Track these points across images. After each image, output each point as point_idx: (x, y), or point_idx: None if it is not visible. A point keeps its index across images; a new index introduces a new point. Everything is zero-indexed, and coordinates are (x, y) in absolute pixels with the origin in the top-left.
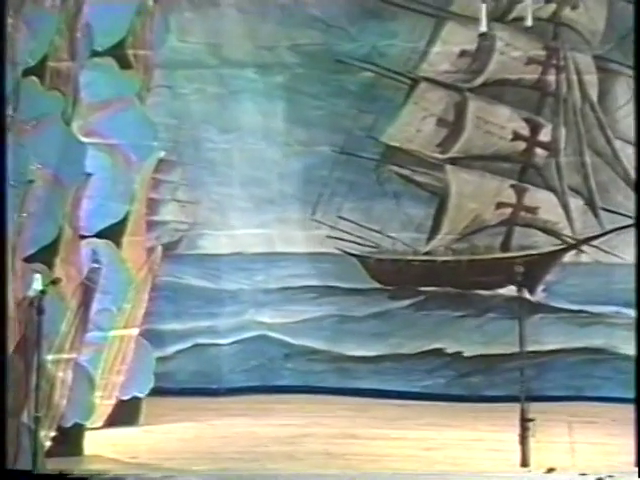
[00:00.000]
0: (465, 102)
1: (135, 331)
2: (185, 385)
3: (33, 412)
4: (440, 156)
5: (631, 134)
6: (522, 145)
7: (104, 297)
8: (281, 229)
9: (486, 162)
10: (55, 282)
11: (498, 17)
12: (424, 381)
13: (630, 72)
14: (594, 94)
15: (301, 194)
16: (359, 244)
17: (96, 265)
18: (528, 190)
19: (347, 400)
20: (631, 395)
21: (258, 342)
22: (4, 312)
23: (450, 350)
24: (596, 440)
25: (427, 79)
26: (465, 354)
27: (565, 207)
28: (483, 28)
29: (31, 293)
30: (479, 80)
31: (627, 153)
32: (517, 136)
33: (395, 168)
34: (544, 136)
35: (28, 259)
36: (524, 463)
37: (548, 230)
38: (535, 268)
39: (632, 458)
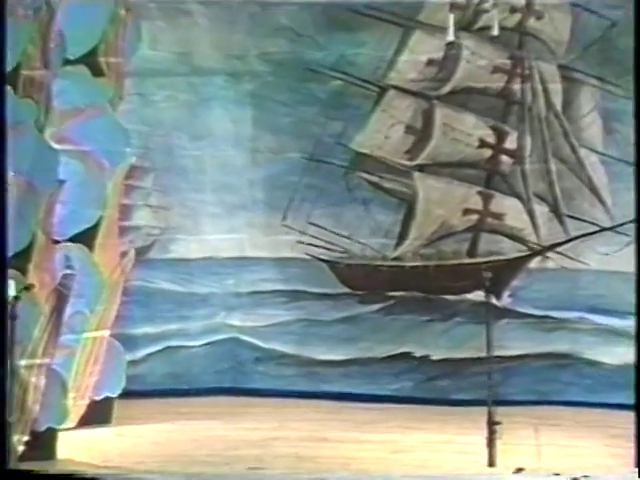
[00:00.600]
0: (432, 110)
1: (107, 332)
2: (157, 387)
3: (7, 416)
4: (408, 163)
5: (595, 142)
6: (488, 152)
7: (77, 300)
8: (251, 234)
9: (453, 169)
10: (28, 288)
11: (465, 26)
12: (392, 384)
13: (594, 81)
14: (558, 103)
15: (271, 200)
16: (329, 249)
17: (69, 271)
18: (494, 197)
19: (317, 403)
20: (595, 399)
21: (229, 345)
22: (4, 312)
23: (418, 354)
24: (562, 442)
25: (395, 87)
26: (433, 358)
27: (531, 214)
28: (450, 37)
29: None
30: (446, 88)
31: (591, 161)
32: (483, 143)
33: (364, 175)
34: (510, 144)
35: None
36: (491, 465)
37: (514, 236)
38: (501, 274)
39: (598, 460)
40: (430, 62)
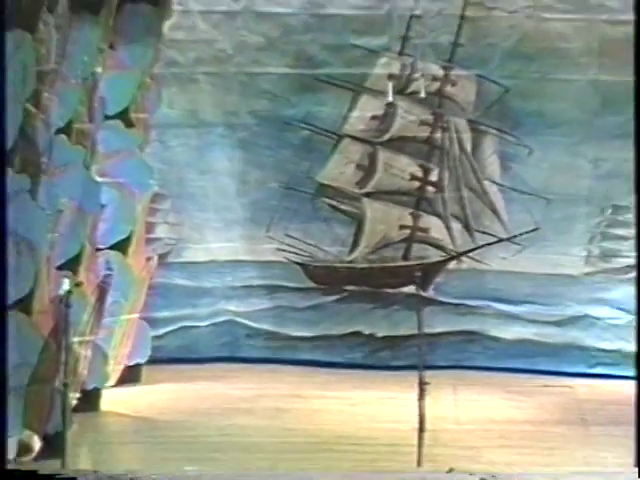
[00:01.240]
0: (376, 153)
1: (137, 316)
2: (173, 356)
3: (63, 380)
4: (358, 191)
5: (494, 176)
6: (417, 184)
7: (115, 293)
8: (243, 243)
9: (391, 196)
10: (78, 284)
11: (399, 91)
12: (347, 354)
13: (494, 132)
14: (468, 147)
15: (258, 218)
16: (300, 255)
17: (109, 272)
18: (422, 216)
19: (292, 369)
20: (496, 365)
21: (227, 325)
22: (4, 312)
23: (366, 332)
24: (472, 397)
25: (349, 136)
26: (377, 335)
27: (448, 229)
28: (389, 99)
29: (61, 293)
30: (386, 137)
31: (493, 190)
32: (413, 177)
33: (326, 200)
34: (433, 177)
35: (59, 268)
36: (421, 414)
37: (436, 245)
38: (427, 273)
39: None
40: (374, 117)
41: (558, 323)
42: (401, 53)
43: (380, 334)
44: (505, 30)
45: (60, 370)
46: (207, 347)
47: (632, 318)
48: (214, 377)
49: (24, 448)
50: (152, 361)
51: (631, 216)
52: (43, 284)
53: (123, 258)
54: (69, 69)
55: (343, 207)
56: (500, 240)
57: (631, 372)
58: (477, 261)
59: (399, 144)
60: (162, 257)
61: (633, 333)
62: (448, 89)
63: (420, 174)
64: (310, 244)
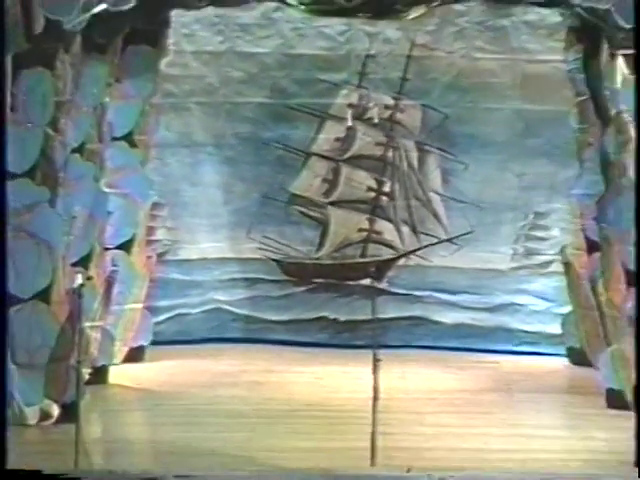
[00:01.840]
0: (339, 168)
1: (140, 305)
2: (171, 338)
3: (77, 358)
4: (324, 200)
5: (437, 188)
6: (373, 194)
7: (120, 285)
8: (229, 243)
9: (352, 204)
10: (90, 278)
11: (358, 117)
12: (316, 335)
13: (436, 151)
14: (415, 164)
15: (241, 222)
16: (276, 253)
17: (115, 268)
18: (377, 221)
19: (269, 347)
20: (438, 344)
21: (215, 312)
22: (4, 313)
23: (331, 317)
24: (418, 371)
25: (316, 154)
26: (340, 319)
27: (399, 231)
28: (349, 124)
29: (75, 285)
30: (347, 155)
31: (435, 199)
32: (370, 189)
33: (297, 207)
34: (386, 188)
35: (73, 265)
36: (375, 386)
37: (389, 245)
38: (381, 268)
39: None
40: (337, 139)
41: (489, 309)
42: (359, 86)
43: (342, 319)
44: (444, 67)
45: (74, 350)
46: (198, 330)
47: (550, 305)
48: (204, 355)
49: (45, 415)
50: (153, 343)
51: (549, 220)
52: (60, 279)
53: (127, 256)
54: (82, 99)
55: (311, 213)
56: (441, 241)
57: (548, 350)
58: (422, 258)
59: (358, 161)
60: (160, 256)
61: (550, 318)
62: (398, 116)
63: (375, 186)
64: (284, 244)
